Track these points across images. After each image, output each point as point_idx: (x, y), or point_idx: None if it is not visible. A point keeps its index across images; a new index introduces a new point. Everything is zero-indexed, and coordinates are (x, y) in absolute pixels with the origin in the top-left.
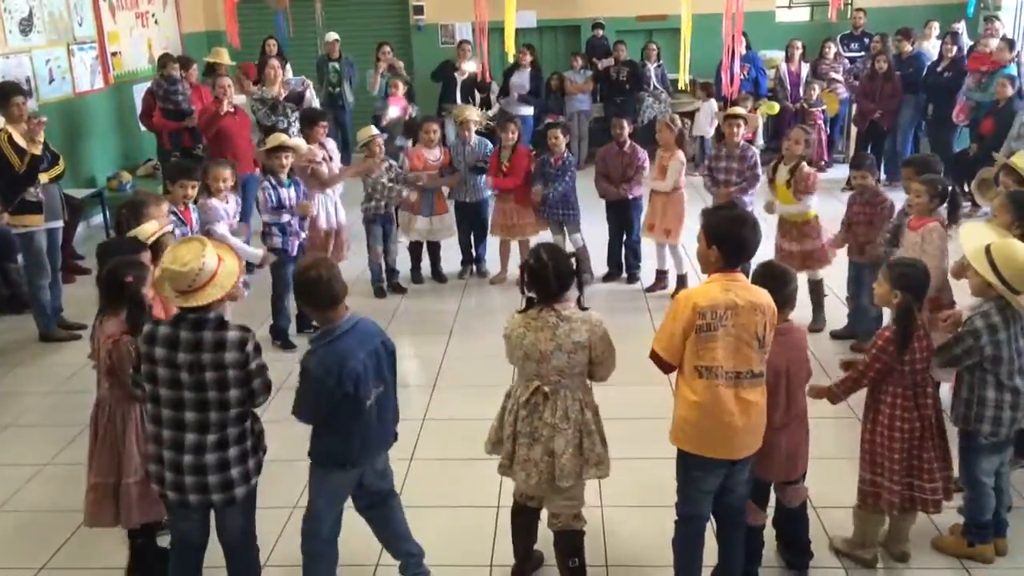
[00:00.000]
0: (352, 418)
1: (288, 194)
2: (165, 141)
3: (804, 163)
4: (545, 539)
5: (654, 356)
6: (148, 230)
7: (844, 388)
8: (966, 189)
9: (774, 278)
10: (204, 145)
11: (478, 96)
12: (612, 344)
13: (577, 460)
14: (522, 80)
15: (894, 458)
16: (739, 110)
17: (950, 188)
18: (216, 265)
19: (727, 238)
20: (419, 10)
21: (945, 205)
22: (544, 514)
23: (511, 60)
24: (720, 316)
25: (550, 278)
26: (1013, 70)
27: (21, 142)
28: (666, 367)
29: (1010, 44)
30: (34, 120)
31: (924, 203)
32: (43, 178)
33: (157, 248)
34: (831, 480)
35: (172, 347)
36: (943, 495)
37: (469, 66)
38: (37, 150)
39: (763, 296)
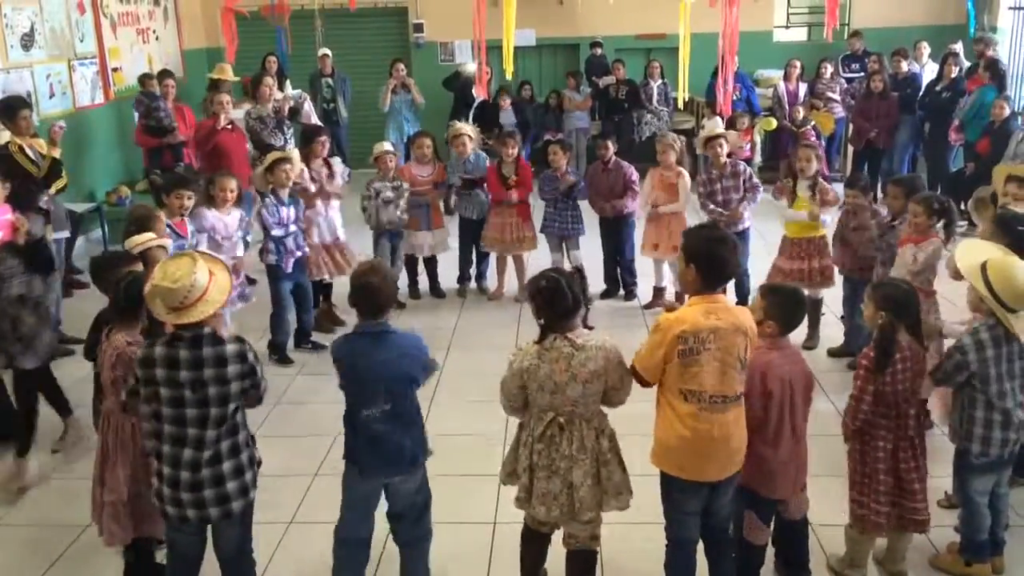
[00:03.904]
0: (354, 418)
1: (288, 212)
2: (145, 159)
3: (820, 178)
4: (549, 558)
5: (633, 371)
6: (136, 241)
7: (851, 416)
8: (963, 208)
9: (796, 304)
10: (185, 165)
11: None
12: (627, 369)
13: (596, 491)
14: (508, 119)
15: (879, 479)
16: (718, 131)
17: (946, 204)
18: (207, 281)
19: (706, 259)
20: (419, 28)
21: (941, 223)
22: (555, 533)
23: (509, 78)
24: (703, 340)
25: (565, 294)
26: (994, 94)
27: (31, 153)
28: (643, 383)
29: (991, 66)
30: (55, 125)
31: (923, 222)
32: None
33: (145, 260)
34: (826, 498)
35: (172, 366)
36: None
37: (469, 68)
38: (57, 153)
39: (744, 318)
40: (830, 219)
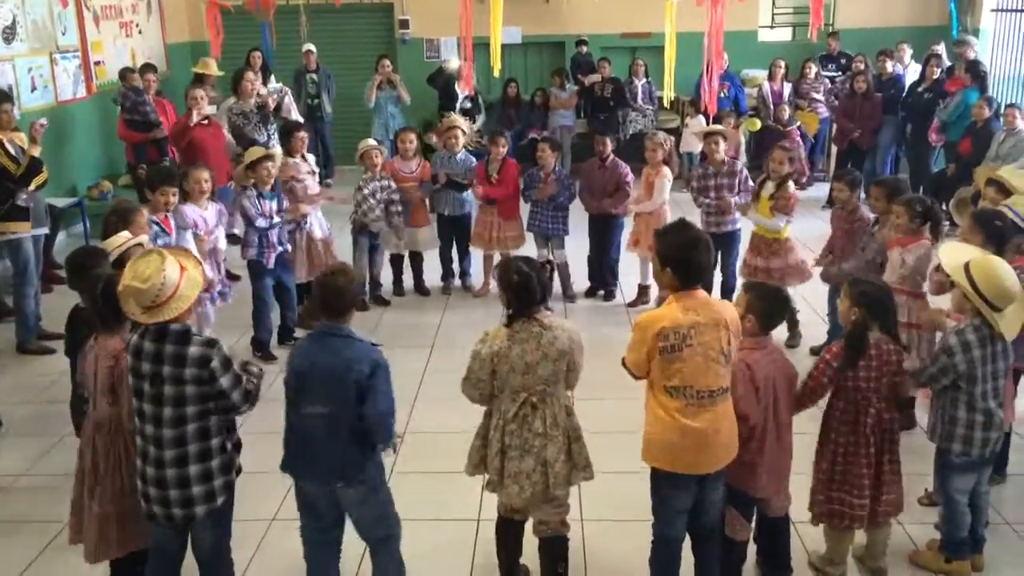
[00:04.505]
0: (291, 418)
1: (269, 206)
2: (129, 154)
3: (791, 182)
4: (526, 552)
5: (624, 365)
6: (114, 243)
7: (799, 400)
8: (945, 208)
9: (779, 304)
10: (170, 160)
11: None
12: (582, 351)
13: (567, 466)
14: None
15: (827, 470)
16: (717, 127)
17: (929, 205)
18: (178, 277)
19: (679, 261)
20: (404, 24)
21: (928, 225)
22: (528, 523)
23: (496, 75)
24: (683, 336)
25: (535, 289)
26: (976, 96)
27: (11, 148)
28: (635, 376)
29: (971, 67)
30: (36, 123)
31: (904, 224)
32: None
33: (123, 261)
34: (808, 496)
35: (137, 356)
36: (869, 513)
37: (452, 64)
38: (37, 152)
39: (725, 311)
40: (783, 224)
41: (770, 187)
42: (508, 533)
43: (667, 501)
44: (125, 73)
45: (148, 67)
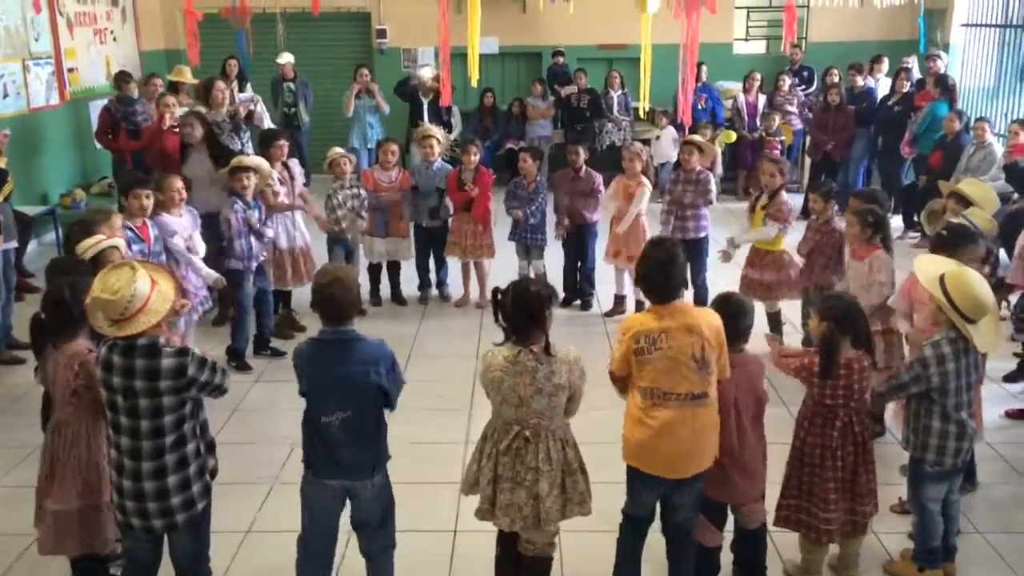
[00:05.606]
0: (312, 425)
1: (255, 216)
2: (129, 162)
3: (783, 192)
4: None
5: (612, 375)
6: (86, 244)
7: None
8: (915, 219)
9: (730, 312)
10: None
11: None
12: (585, 379)
13: (560, 500)
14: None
15: (795, 479)
16: (695, 138)
17: (882, 217)
18: (149, 290)
19: (650, 281)
20: (382, 33)
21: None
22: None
23: (474, 85)
24: (653, 340)
25: (531, 314)
26: (945, 109)
27: None
28: (624, 385)
29: (939, 81)
30: None
31: (856, 233)
32: None
33: (98, 263)
34: None
35: (107, 370)
36: (839, 525)
37: (425, 72)
38: (3, 163)
39: (701, 318)
40: (775, 232)
41: (764, 200)
42: (506, 543)
43: (637, 494)
44: (120, 83)
45: (149, 77)
